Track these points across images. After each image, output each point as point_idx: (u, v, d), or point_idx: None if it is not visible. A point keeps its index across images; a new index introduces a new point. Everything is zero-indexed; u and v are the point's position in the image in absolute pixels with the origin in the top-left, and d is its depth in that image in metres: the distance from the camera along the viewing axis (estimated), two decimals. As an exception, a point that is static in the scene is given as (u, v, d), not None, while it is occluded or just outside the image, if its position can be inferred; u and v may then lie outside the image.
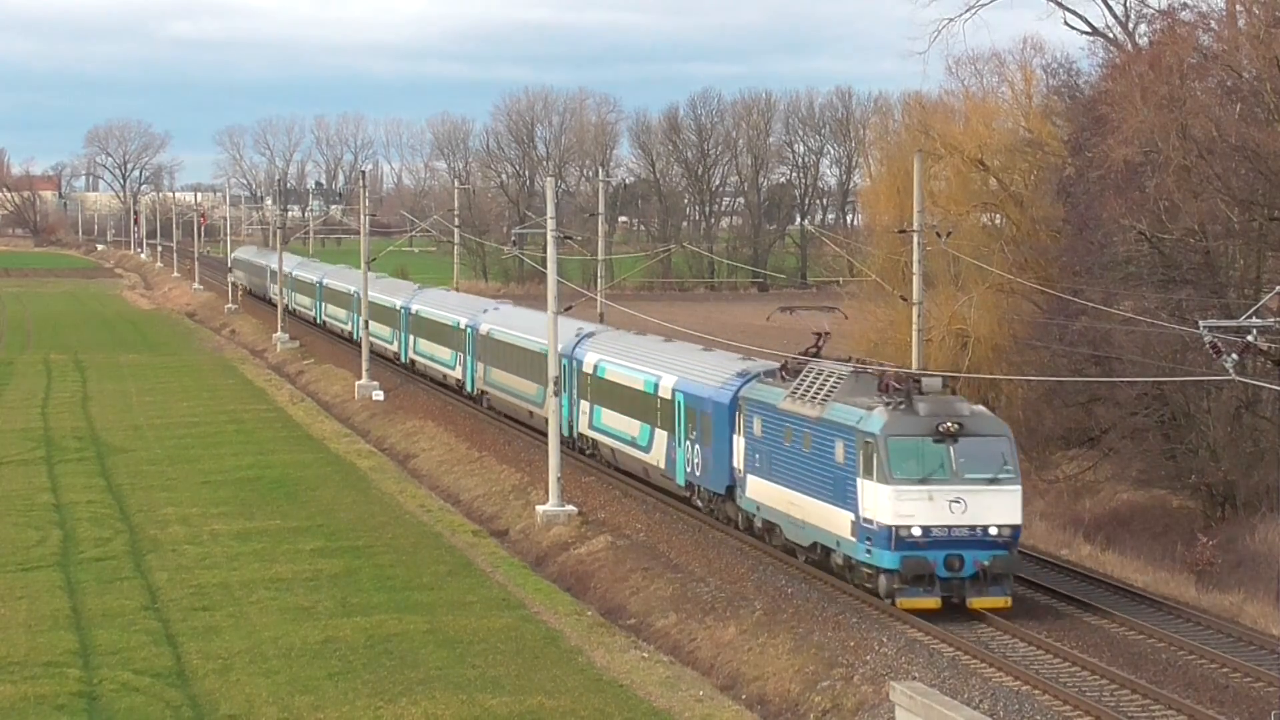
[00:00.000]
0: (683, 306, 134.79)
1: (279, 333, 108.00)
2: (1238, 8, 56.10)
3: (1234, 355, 29.22)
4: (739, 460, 45.06)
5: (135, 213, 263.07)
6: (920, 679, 32.44)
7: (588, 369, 57.47)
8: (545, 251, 53.24)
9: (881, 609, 38.37)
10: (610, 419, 55.59)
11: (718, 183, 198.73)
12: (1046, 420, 58.86)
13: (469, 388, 74.24)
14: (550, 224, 52.98)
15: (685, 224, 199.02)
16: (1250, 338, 29.21)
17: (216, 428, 72.46)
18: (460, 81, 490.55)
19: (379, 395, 78.26)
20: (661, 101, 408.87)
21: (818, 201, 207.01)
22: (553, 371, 52.25)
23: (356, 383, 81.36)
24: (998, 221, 67.25)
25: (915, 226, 51.30)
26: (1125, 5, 68.94)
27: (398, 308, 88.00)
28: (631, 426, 53.48)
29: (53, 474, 60.86)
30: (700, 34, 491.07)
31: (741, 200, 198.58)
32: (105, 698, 33.43)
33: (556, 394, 52.23)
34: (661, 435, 50.93)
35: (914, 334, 51.45)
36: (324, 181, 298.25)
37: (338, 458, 64.43)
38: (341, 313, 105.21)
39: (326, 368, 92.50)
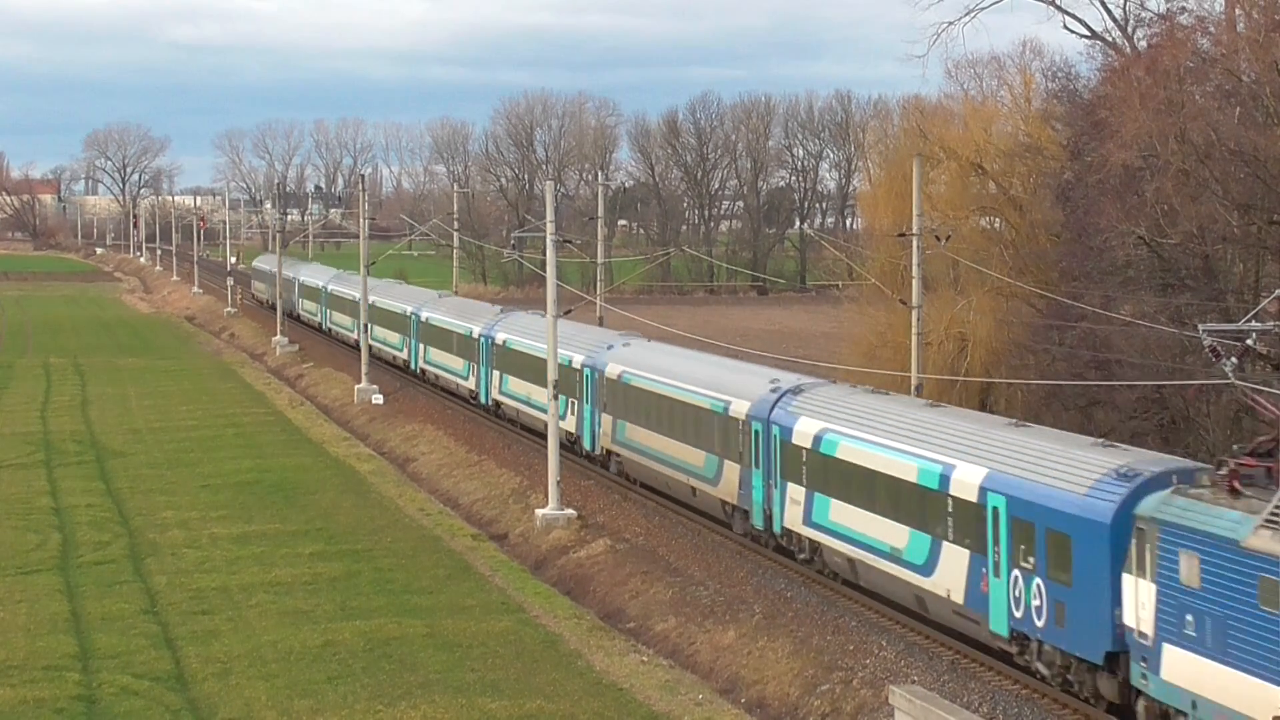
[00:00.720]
0: (682, 310, 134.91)
1: (278, 336, 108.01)
2: (1236, 11, 56.07)
3: (1233, 359, 29.25)
4: (1140, 617, 28.96)
5: (134, 216, 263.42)
6: (920, 682, 32.46)
7: (800, 441, 42.09)
8: (544, 255, 53.28)
9: (882, 612, 38.31)
10: (847, 516, 39.91)
11: (717, 186, 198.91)
12: (1046, 424, 58.71)
13: (588, 445, 58.13)
14: (550, 228, 53.01)
15: (684, 228, 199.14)
16: (1249, 341, 29.25)
17: (216, 431, 72.48)
18: (460, 85, 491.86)
19: (378, 399, 78.30)
20: (661, 105, 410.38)
21: (817, 205, 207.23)
22: (552, 375, 52.23)
23: (356, 386, 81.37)
24: (997, 225, 67.29)
25: (914, 230, 51.36)
26: (1124, 9, 68.99)
27: (474, 335, 73.73)
28: (892, 533, 37.70)
29: (52, 477, 60.85)
30: (700, 38, 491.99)
31: (741, 204, 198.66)
32: (104, 701, 33.45)
33: (555, 397, 52.24)
34: (955, 554, 35.08)
35: (913, 338, 51.57)
36: (323, 185, 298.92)
37: (337, 461, 64.43)
38: (395, 337, 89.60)
39: (326, 371, 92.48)
